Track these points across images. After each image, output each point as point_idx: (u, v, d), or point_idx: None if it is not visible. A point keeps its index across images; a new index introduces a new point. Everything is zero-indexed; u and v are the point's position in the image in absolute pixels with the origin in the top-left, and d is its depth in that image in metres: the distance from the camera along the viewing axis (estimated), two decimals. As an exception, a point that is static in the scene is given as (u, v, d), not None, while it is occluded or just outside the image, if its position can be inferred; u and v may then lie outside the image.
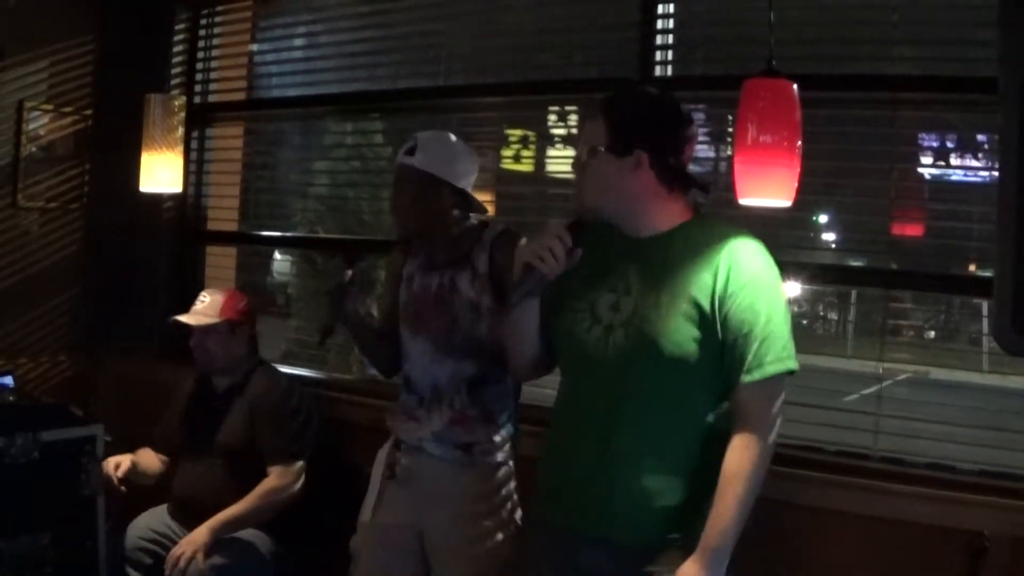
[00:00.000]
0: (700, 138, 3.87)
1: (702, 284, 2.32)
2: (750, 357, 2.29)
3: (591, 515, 2.40)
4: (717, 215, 2.49)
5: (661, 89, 2.53)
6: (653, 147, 2.37)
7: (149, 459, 3.82)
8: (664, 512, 2.34)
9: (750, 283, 2.30)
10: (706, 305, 2.30)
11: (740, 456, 2.27)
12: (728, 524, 2.26)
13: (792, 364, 2.33)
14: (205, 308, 3.73)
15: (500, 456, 3.04)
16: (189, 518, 3.57)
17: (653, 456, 2.34)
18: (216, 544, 3.45)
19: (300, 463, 3.63)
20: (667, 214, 2.42)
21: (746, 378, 2.29)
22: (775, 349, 2.30)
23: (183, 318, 3.72)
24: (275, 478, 3.58)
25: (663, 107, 2.43)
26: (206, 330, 3.71)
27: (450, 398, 3.01)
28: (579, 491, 2.42)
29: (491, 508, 3.01)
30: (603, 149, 2.38)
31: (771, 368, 2.29)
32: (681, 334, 2.31)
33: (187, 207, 5.11)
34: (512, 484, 3.06)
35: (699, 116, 3.96)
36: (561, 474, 2.48)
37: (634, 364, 2.34)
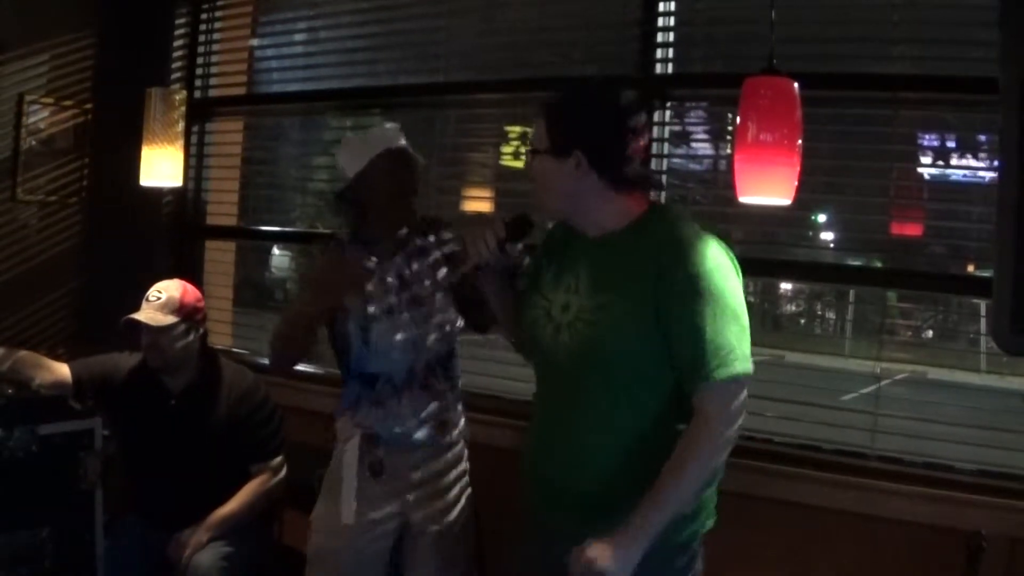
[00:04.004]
0: (700, 136, 3.88)
1: (643, 283, 2.30)
2: (696, 362, 2.25)
3: (560, 511, 2.42)
4: (672, 208, 2.47)
5: (605, 85, 2.51)
6: (590, 147, 2.35)
7: (35, 362, 3.55)
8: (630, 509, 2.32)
9: (691, 283, 2.26)
10: (648, 304, 2.28)
11: (684, 448, 2.23)
12: (656, 510, 2.20)
13: (739, 368, 2.25)
14: (161, 305, 3.48)
15: (459, 432, 3.18)
16: (176, 527, 3.46)
17: (613, 453, 2.33)
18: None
19: (280, 456, 3.63)
20: (616, 212, 2.41)
21: (694, 384, 2.26)
22: (720, 354, 2.24)
23: (138, 317, 3.47)
24: (265, 477, 3.57)
25: (600, 105, 2.40)
26: (161, 330, 3.46)
27: (423, 379, 3.06)
28: (549, 487, 2.45)
29: (460, 485, 3.16)
30: (543, 151, 2.39)
31: (718, 374, 2.23)
32: (621, 333, 2.30)
33: (187, 201, 5.12)
34: (466, 463, 3.20)
35: (699, 114, 3.97)
36: (534, 469, 2.50)
37: (581, 364, 2.36)
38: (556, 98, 2.45)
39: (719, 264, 2.31)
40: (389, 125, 3.20)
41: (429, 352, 3.07)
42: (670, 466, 2.22)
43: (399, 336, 3.05)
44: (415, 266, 3.07)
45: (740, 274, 2.38)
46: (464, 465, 3.19)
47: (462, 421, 3.19)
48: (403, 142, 3.08)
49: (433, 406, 3.07)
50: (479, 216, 2.47)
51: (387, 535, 3.10)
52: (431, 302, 3.06)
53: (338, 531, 3.07)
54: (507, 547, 2.63)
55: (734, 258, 2.39)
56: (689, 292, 2.26)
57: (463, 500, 3.15)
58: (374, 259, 3.05)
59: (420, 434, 3.06)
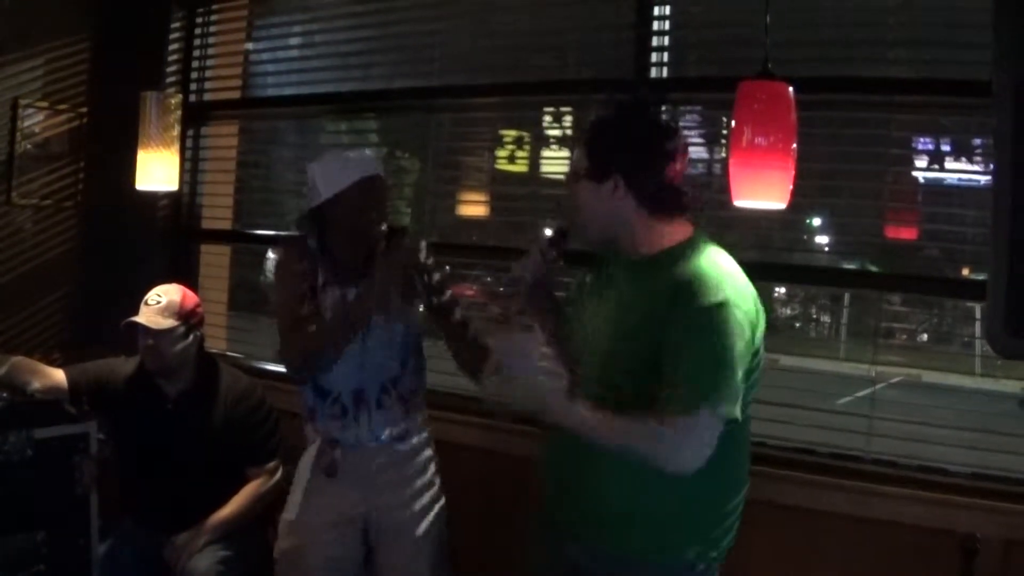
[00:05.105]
0: (695, 140, 3.88)
1: (660, 311, 2.30)
2: (668, 389, 2.22)
3: (575, 521, 2.45)
4: (707, 239, 2.46)
5: (642, 108, 2.51)
6: (628, 171, 2.38)
7: (30, 367, 3.57)
8: (634, 528, 2.36)
9: (690, 317, 2.25)
10: (654, 332, 2.29)
11: (638, 428, 2.23)
12: (586, 423, 2.26)
13: (702, 407, 2.20)
14: (161, 309, 3.49)
15: (424, 437, 3.22)
16: (173, 530, 3.47)
17: (627, 473, 2.32)
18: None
19: (276, 460, 3.63)
20: (654, 236, 2.43)
21: (663, 408, 2.22)
22: (685, 389, 2.21)
23: (139, 319, 3.49)
24: (262, 480, 3.58)
25: (638, 129, 2.42)
26: (161, 333, 3.48)
27: (376, 399, 3.11)
28: (565, 490, 2.48)
29: (428, 491, 3.18)
30: (583, 175, 2.43)
31: (677, 408, 2.20)
32: (631, 360, 2.33)
33: (182, 205, 5.12)
34: (434, 467, 3.23)
35: (694, 118, 3.98)
36: (552, 477, 2.54)
37: (597, 387, 2.36)
38: (595, 123, 2.48)
39: (726, 303, 2.25)
40: (363, 150, 3.29)
41: (378, 372, 3.11)
42: (623, 425, 2.24)
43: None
44: (353, 295, 3.09)
45: (759, 317, 2.34)
46: (431, 470, 3.21)
47: (425, 432, 3.23)
48: (377, 168, 3.11)
49: (387, 429, 3.12)
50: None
51: (353, 536, 3.14)
52: (376, 322, 3.08)
53: (301, 533, 3.11)
54: (517, 548, 2.64)
55: (755, 301, 2.35)
56: (686, 325, 2.25)
57: (432, 505, 3.18)
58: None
59: (373, 442, 3.12)
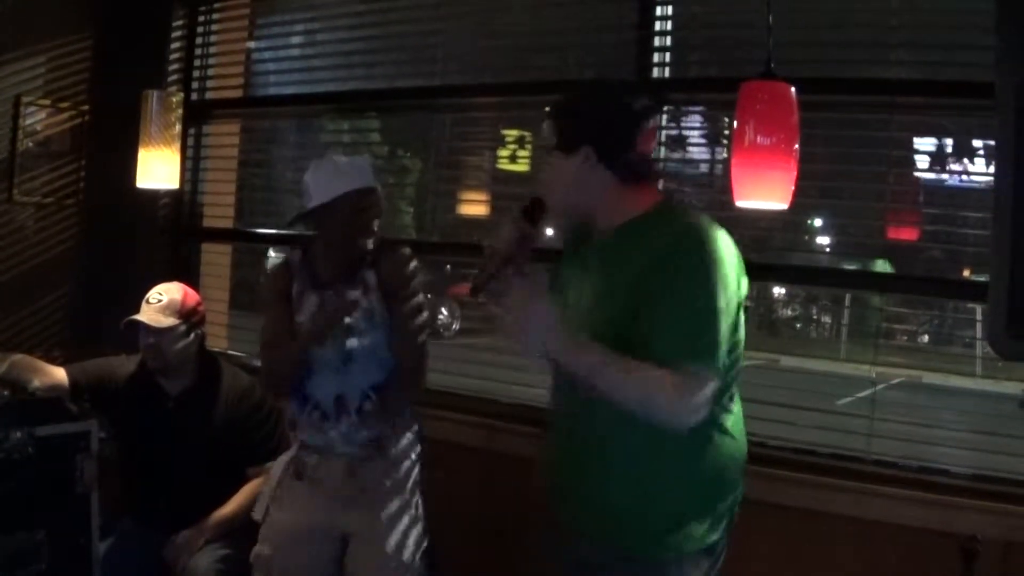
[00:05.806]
0: (696, 140, 3.88)
1: (635, 280, 2.25)
2: (658, 344, 2.17)
3: (579, 516, 2.43)
4: (681, 206, 2.42)
5: (613, 85, 2.48)
6: (598, 142, 2.32)
7: (31, 365, 3.56)
8: (632, 522, 2.33)
9: (681, 269, 2.21)
10: (638, 299, 2.23)
11: (652, 377, 2.15)
12: (591, 361, 2.20)
13: (701, 361, 2.17)
14: (162, 308, 3.49)
15: (405, 445, 3.16)
16: (173, 529, 3.47)
17: (632, 455, 2.30)
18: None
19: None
20: (627, 206, 2.37)
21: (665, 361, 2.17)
22: (680, 344, 2.17)
23: (140, 318, 3.49)
24: (262, 479, 3.57)
25: (608, 102, 2.39)
26: (162, 331, 3.48)
27: (356, 405, 3.10)
28: (567, 492, 2.46)
29: (402, 499, 3.11)
30: (553, 148, 2.39)
31: (681, 361, 2.15)
32: (614, 334, 2.24)
33: (183, 204, 5.12)
34: (417, 475, 3.18)
35: (696, 118, 3.98)
36: (554, 474, 2.51)
37: None
38: (563, 97, 2.45)
39: (717, 259, 2.22)
40: (361, 158, 3.22)
41: (360, 379, 3.10)
42: (637, 368, 2.16)
43: (320, 363, 3.10)
44: (349, 295, 3.10)
45: (743, 272, 2.31)
46: (410, 478, 3.16)
47: (406, 439, 3.18)
48: (372, 180, 3.10)
49: (359, 429, 3.10)
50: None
51: (326, 542, 3.12)
52: (354, 330, 3.08)
53: (271, 537, 3.13)
54: (516, 548, 2.64)
55: (737, 256, 2.30)
56: (672, 279, 2.20)
57: (410, 527, 3.11)
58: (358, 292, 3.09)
59: (346, 448, 3.11)
